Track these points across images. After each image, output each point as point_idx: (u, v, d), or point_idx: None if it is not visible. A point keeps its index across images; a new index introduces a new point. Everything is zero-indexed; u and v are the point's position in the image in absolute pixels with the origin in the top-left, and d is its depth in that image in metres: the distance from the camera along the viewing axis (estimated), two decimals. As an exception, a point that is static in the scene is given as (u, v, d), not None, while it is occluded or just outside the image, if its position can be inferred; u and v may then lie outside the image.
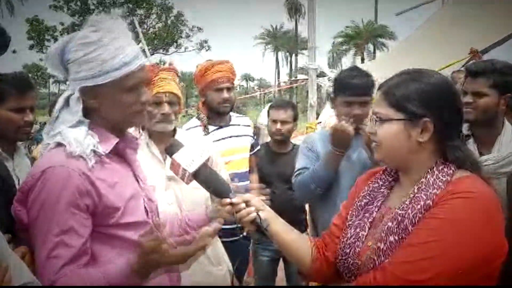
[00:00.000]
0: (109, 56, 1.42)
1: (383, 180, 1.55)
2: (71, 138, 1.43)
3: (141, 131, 2.29)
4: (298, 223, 3.16)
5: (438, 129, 1.37)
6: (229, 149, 3.12)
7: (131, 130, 1.70)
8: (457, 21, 5.59)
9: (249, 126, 3.37)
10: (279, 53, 62.67)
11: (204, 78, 3.08)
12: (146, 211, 1.59)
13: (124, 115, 1.50)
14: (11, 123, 2.19)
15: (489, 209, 1.30)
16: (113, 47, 1.43)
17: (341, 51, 49.74)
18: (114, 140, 1.51)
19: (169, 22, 33.00)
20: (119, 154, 1.57)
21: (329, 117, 5.11)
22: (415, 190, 1.38)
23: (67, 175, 1.37)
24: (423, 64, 5.10)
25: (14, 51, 37.43)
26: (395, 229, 1.35)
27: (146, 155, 2.21)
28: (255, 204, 1.58)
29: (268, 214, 1.59)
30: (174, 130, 2.36)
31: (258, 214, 1.55)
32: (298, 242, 1.62)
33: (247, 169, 3.30)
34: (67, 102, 1.50)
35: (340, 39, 50.11)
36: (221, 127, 3.16)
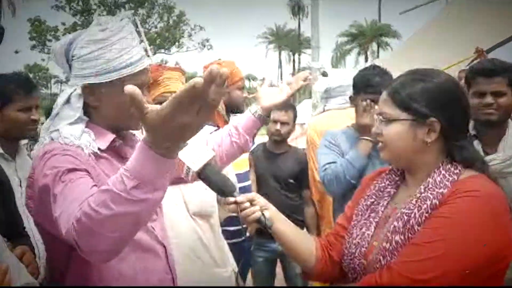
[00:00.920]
0: (114, 55, 1.43)
1: (390, 180, 1.53)
2: (67, 134, 1.43)
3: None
4: (295, 224, 3.15)
5: (444, 129, 1.36)
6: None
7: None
8: (462, 20, 5.56)
9: None
10: (282, 53, 62.73)
11: (231, 77, 3.10)
12: None
13: (123, 116, 1.49)
14: (20, 122, 2.28)
15: (496, 208, 1.29)
16: (119, 47, 1.44)
17: (345, 50, 49.72)
18: (110, 137, 1.51)
19: (171, 21, 33.06)
20: (116, 152, 1.55)
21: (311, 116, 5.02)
22: (422, 190, 1.36)
23: (65, 153, 1.37)
24: (427, 63, 5.07)
25: (16, 52, 37.64)
26: (401, 229, 1.34)
27: None
28: (260, 203, 1.56)
29: (272, 213, 1.58)
30: None
31: (262, 213, 1.54)
32: (303, 242, 1.61)
33: (247, 170, 3.30)
34: (68, 99, 1.50)
35: (343, 39, 50.14)
36: (219, 127, 3.16)
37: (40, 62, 40.35)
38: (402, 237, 1.33)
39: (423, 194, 1.35)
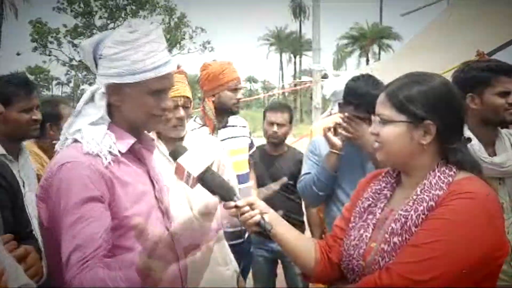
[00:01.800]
0: (141, 57, 1.45)
1: (386, 182, 1.56)
2: (89, 137, 1.46)
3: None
4: (294, 225, 3.16)
5: (440, 131, 1.39)
6: (228, 151, 3.10)
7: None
8: (463, 22, 5.56)
9: (245, 127, 3.37)
10: (283, 55, 62.78)
11: (220, 77, 3.06)
12: (162, 213, 1.61)
13: (143, 117, 1.53)
14: (23, 123, 2.32)
15: (490, 209, 1.33)
16: (147, 49, 1.46)
17: (346, 52, 49.76)
18: (130, 140, 1.54)
19: (172, 23, 33.09)
20: (135, 154, 1.59)
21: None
22: (418, 192, 1.39)
23: (84, 169, 1.40)
24: (428, 65, 5.07)
25: (18, 54, 37.73)
26: (399, 231, 1.37)
27: (156, 155, 2.21)
28: (260, 207, 1.58)
29: (272, 217, 1.60)
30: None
31: (262, 217, 1.56)
32: (302, 244, 1.63)
33: (246, 171, 3.29)
34: (92, 97, 1.53)
35: (345, 41, 50.19)
36: (218, 128, 3.15)
37: (41, 64, 40.36)
38: (400, 239, 1.35)
39: (419, 196, 1.38)
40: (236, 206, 1.56)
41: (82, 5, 31.28)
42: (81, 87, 43.05)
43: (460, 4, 6.09)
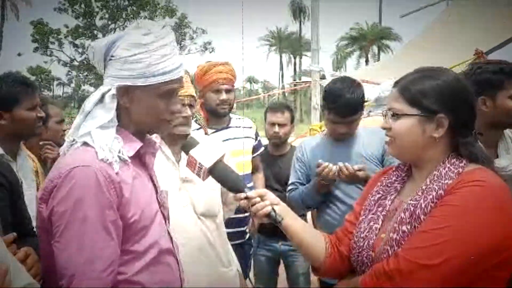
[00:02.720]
0: (154, 61, 1.45)
1: (396, 176, 1.57)
2: (102, 142, 1.43)
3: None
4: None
5: (452, 125, 1.40)
6: (230, 151, 3.11)
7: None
8: (462, 22, 5.58)
9: (250, 127, 3.36)
10: (283, 55, 62.74)
11: (204, 79, 3.06)
12: (164, 217, 1.61)
13: (152, 120, 1.52)
14: (29, 121, 2.33)
15: (501, 198, 1.32)
16: (160, 54, 1.46)
17: (346, 53, 49.72)
18: (137, 145, 1.52)
19: (172, 24, 33.09)
20: (140, 158, 1.59)
21: None
22: (427, 182, 1.41)
23: (94, 175, 1.36)
24: (427, 65, 5.09)
25: (19, 54, 37.72)
26: (408, 219, 1.38)
27: (159, 157, 2.22)
28: (270, 198, 1.59)
29: (282, 209, 1.60)
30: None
31: (273, 208, 1.57)
32: (313, 237, 1.63)
33: (248, 172, 3.29)
34: (101, 98, 1.50)
35: (344, 41, 50.15)
36: (218, 130, 3.14)
37: (42, 65, 40.36)
38: (409, 227, 1.36)
39: (429, 186, 1.39)
40: (246, 197, 1.57)
41: (83, 6, 31.29)
42: (82, 87, 43.07)
43: (459, 5, 6.11)
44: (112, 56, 1.48)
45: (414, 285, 1.27)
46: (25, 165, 2.41)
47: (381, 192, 1.56)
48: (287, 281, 3.71)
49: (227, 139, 3.10)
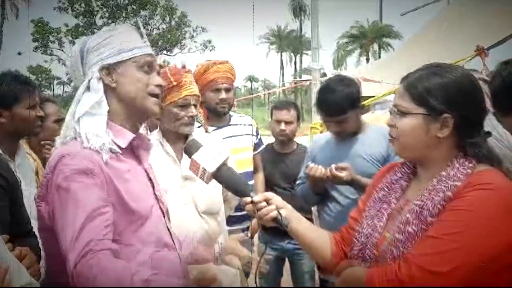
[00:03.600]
0: (124, 39, 1.58)
1: (402, 173, 1.55)
2: (87, 130, 1.48)
3: (149, 132, 2.29)
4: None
5: (458, 125, 1.37)
6: (230, 149, 3.10)
7: (141, 130, 1.71)
8: (463, 19, 5.57)
9: (251, 125, 3.35)
10: (284, 54, 62.70)
11: (203, 78, 3.04)
12: (162, 212, 1.62)
13: (139, 95, 1.56)
14: (30, 120, 2.32)
15: (509, 201, 1.30)
16: (127, 35, 1.60)
17: (346, 51, 49.67)
18: (129, 136, 1.55)
19: (173, 23, 33.10)
20: (133, 151, 1.61)
21: None
22: (435, 182, 1.38)
23: (84, 159, 1.41)
24: (427, 62, 5.08)
25: (19, 53, 37.73)
26: (414, 220, 1.36)
27: (160, 154, 2.22)
28: (276, 202, 1.56)
29: (289, 212, 1.58)
30: None
31: (279, 212, 1.55)
32: (319, 239, 1.63)
33: (249, 170, 3.29)
34: (88, 87, 1.56)
35: (345, 40, 50.11)
36: (219, 127, 3.14)
37: (42, 64, 40.36)
38: (415, 228, 1.35)
39: (436, 187, 1.37)
40: (252, 202, 1.55)
41: (83, 5, 31.30)
42: (82, 86, 42.89)
43: (459, 2, 6.10)
44: (87, 49, 1.57)
45: None
46: (24, 164, 2.39)
47: (386, 189, 1.54)
48: (292, 280, 3.70)
49: (227, 137, 3.08)
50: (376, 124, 2.84)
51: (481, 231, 1.27)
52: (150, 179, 1.64)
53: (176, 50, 33.37)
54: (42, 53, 32.24)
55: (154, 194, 1.63)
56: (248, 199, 1.55)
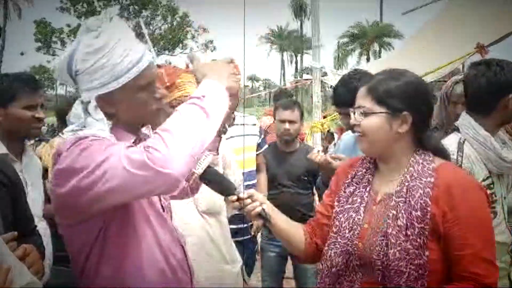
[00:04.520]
0: (118, 59, 1.43)
1: (366, 168, 1.71)
2: (97, 131, 1.44)
3: (151, 131, 2.31)
4: (306, 220, 3.21)
5: (415, 121, 1.58)
6: (233, 149, 3.13)
7: (144, 130, 1.71)
8: (463, 19, 5.58)
9: (254, 125, 3.37)
10: (285, 53, 62.63)
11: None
12: (162, 208, 1.63)
13: (141, 113, 1.53)
14: (23, 120, 2.26)
15: (478, 186, 1.60)
16: (120, 49, 1.44)
17: (347, 51, 49.58)
18: (131, 139, 1.53)
19: (174, 23, 33.08)
20: None
21: None
22: (408, 178, 1.56)
23: (97, 140, 1.39)
24: (428, 61, 5.09)
25: (22, 53, 37.80)
26: (400, 215, 1.51)
27: None
28: (259, 198, 1.70)
29: (269, 207, 1.72)
30: None
31: (262, 208, 1.67)
32: (293, 230, 1.79)
33: (252, 169, 3.31)
34: (87, 111, 1.48)
35: (345, 39, 50.01)
36: None
37: (45, 64, 40.37)
38: (404, 221, 1.50)
39: (411, 183, 1.54)
40: (238, 199, 1.66)
41: (85, 5, 31.29)
42: (84, 87, 42.86)
43: (459, 3, 6.11)
44: (77, 71, 1.46)
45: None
46: (31, 165, 2.37)
47: (354, 185, 1.69)
48: (294, 276, 3.74)
49: (230, 137, 3.12)
50: None
51: (484, 224, 1.52)
52: None
53: (178, 50, 33.36)
54: (44, 53, 32.26)
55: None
56: (234, 197, 1.66)
